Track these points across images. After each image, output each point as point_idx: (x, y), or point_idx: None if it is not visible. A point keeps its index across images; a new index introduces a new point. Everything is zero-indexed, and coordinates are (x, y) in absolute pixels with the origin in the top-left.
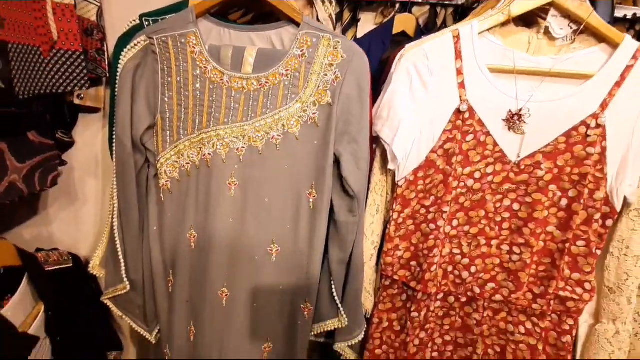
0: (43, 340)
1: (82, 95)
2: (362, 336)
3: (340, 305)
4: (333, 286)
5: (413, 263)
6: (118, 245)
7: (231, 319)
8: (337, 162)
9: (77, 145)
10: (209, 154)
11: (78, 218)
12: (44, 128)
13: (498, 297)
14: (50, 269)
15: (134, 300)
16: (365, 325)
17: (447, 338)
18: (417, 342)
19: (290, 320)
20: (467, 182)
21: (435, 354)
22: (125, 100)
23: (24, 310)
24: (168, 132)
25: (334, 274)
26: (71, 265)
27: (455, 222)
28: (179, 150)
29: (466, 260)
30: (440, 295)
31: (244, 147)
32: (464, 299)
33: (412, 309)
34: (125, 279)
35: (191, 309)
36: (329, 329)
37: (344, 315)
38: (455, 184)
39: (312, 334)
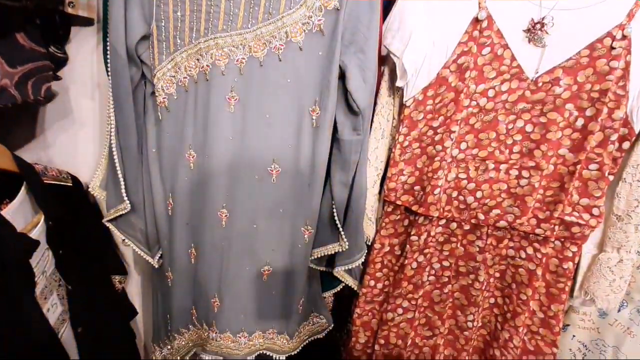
0: (45, 250)
1: (73, 3)
2: (362, 260)
3: (341, 229)
4: (334, 209)
5: (417, 187)
6: (117, 165)
7: (231, 240)
8: (342, 77)
9: (72, 63)
10: (208, 65)
11: (76, 141)
12: (34, 33)
13: (502, 223)
14: (48, 181)
15: (135, 224)
16: (366, 251)
17: (446, 264)
18: (414, 265)
19: (290, 243)
20: (480, 100)
21: (432, 278)
22: (118, 5)
23: (23, 216)
24: (164, 42)
25: (335, 196)
26: (71, 184)
27: (463, 145)
28: (176, 62)
29: (472, 185)
30: (443, 222)
31: (244, 58)
32: (467, 227)
33: (412, 233)
34: (126, 199)
35: (191, 231)
36: (329, 252)
37: (345, 240)
38: (466, 102)
39: (312, 258)
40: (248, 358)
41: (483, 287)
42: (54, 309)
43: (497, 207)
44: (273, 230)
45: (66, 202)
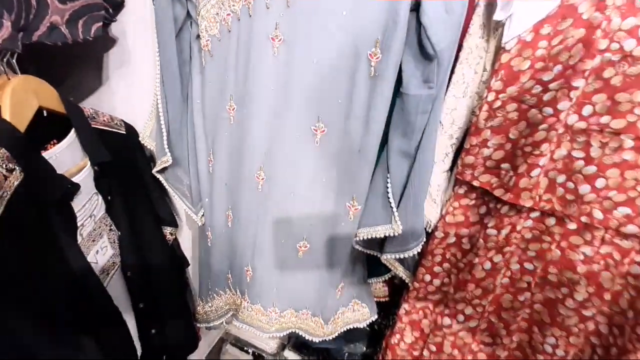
0: (94, 195)
1: None
2: (419, 249)
3: (395, 209)
4: (389, 184)
5: (505, 166)
6: (161, 115)
7: (267, 207)
8: (416, 7)
9: (128, 7)
10: None
11: (135, 89)
12: None
13: (631, 228)
14: (97, 126)
15: (182, 178)
16: (424, 239)
17: (528, 266)
18: (487, 265)
19: (332, 218)
20: (625, 42)
21: (505, 280)
22: None
23: (71, 159)
24: None
25: (391, 168)
26: (124, 132)
27: (587, 109)
28: None
29: (591, 169)
30: (536, 214)
31: None
32: (572, 226)
33: (489, 225)
34: (167, 151)
35: (229, 192)
36: (378, 235)
37: (398, 222)
38: (603, 45)
39: (356, 239)
40: (278, 335)
41: (580, 308)
42: (103, 251)
43: (628, 204)
44: (313, 202)
45: (116, 149)
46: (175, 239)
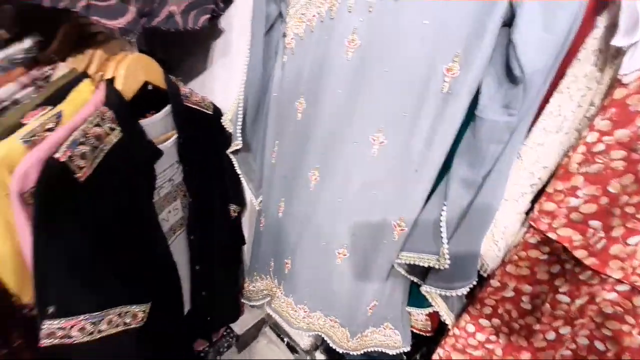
0: (176, 162)
1: None
2: (465, 292)
3: (445, 241)
4: (443, 213)
5: (595, 223)
6: (241, 102)
7: (315, 206)
8: (507, 23)
9: (236, 3)
10: (337, 0)
11: (230, 77)
12: None
13: None
14: (189, 104)
15: (250, 163)
16: (475, 282)
17: (599, 346)
18: (551, 335)
19: (376, 234)
20: None
21: (567, 353)
22: None
23: (164, 128)
24: None
25: (449, 196)
26: (211, 113)
27: None
28: None
29: None
30: (624, 288)
31: None
32: None
33: (561, 289)
34: (239, 137)
35: (285, 184)
36: (421, 264)
37: (447, 256)
38: None
39: (398, 261)
40: (305, 334)
41: None
42: (174, 212)
43: None
44: (359, 212)
45: (201, 127)
46: (238, 217)
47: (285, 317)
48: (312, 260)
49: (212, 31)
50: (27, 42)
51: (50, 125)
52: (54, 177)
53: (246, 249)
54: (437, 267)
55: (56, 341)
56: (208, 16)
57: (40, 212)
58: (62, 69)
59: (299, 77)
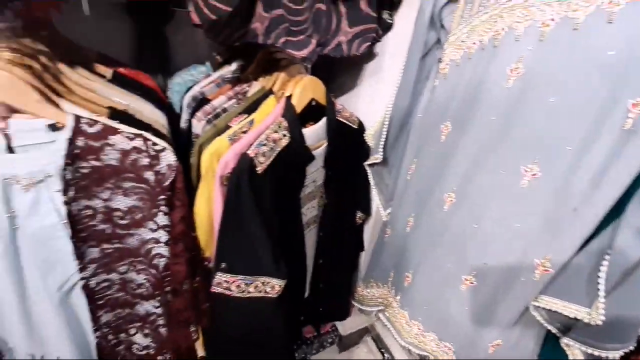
0: (320, 167)
1: None
2: (617, 356)
3: (602, 295)
4: (605, 262)
5: None
6: (386, 119)
7: (446, 228)
8: None
9: (394, 30)
10: (503, 29)
11: (377, 96)
12: (373, 0)
13: None
14: (339, 118)
15: (384, 177)
16: (633, 346)
17: None
18: None
19: (512, 269)
20: None
21: None
22: None
23: (317, 137)
24: (470, 4)
25: (616, 244)
26: (356, 127)
27: None
28: (473, 26)
29: None
30: None
31: (553, 19)
32: None
33: None
34: (381, 152)
35: (417, 201)
36: (565, 313)
37: (601, 312)
38: None
39: (536, 304)
40: (412, 349)
41: None
42: (311, 210)
43: None
44: (495, 242)
45: (346, 139)
46: (362, 225)
47: (398, 328)
48: (434, 280)
49: (366, 55)
50: (234, 65)
51: (245, 129)
52: (244, 168)
53: (364, 255)
54: (586, 321)
55: (220, 290)
56: (369, 43)
57: (230, 191)
58: (255, 87)
59: (448, 101)
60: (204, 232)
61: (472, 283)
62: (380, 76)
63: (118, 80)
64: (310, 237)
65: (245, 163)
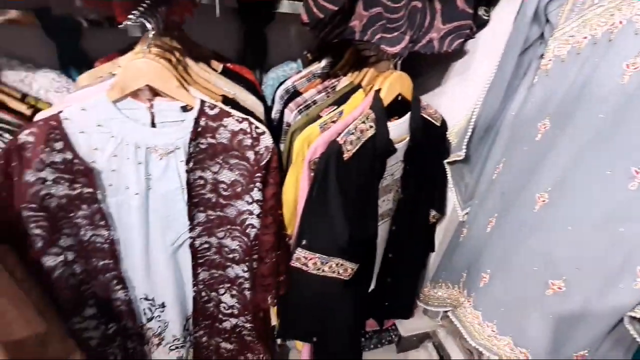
0: (400, 161)
1: None
2: None
3: None
4: None
5: None
6: (473, 118)
7: (534, 229)
8: None
9: (489, 25)
10: (621, 22)
11: (464, 94)
12: None
13: None
14: (423, 114)
15: (464, 175)
16: None
17: None
18: None
19: (609, 275)
20: None
21: None
22: None
23: (400, 131)
24: None
25: None
26: (438, 125)
27: None
28: (585, 20)
29: None
30: None
31: None
32: None
33: None
34: (464, 149)
35: (502, 201)
36: None
37: None
38: None
39: (633, 314)
40: (484, 350)
41: None
42: (386, 203)
43: None
44: (592, 247)
45: (428, 135)
46: (434, 225)
47: (469, 329)
48: (515, 282)
49: (455, 52)
50: (323, 62)
51: (334, 119)
52: (332, 153)
53: (433, 256)
54: None
55: (298, 265)
56: (462, 40)
57: (318, 173)
58: (344, 82)
59: (548, 99)
60: (289, 211)
61: (560, 288)
62: (468, 74)
63: (227, 74)
64: (382, 230)
65: (334, 149)
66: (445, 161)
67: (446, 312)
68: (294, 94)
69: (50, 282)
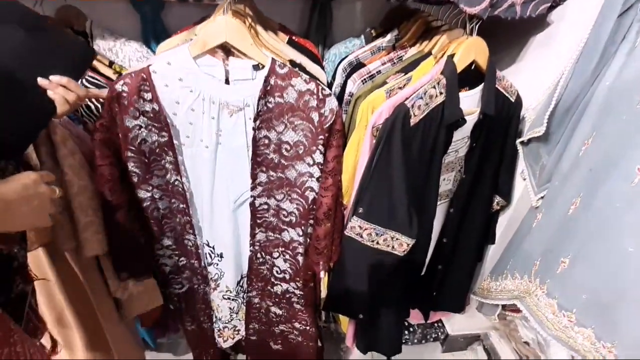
0: (467, 138)
1: None
2: None
3: None
4: None
5: None
6: (558, 89)
7: (631, 207)
8: None
9: None
10: None
11: (544, 67)
12: None
13: None
14: (498, 87)
15: (540, 156)
16: None
17: None
18: None
19: None
20: None
21: None
22: None
23: (471, 103)
24: None
25: None
26: (512, 100)
27: None
28: None
29: None
30: None
31: None
32: None
33: None
34: (545, 123)
35: (591, 178)
36: None
37: None
38: None
39: None
40: (557, 341)
41: None
42: (446, 182)
43: None
44: None
45: (501, 110)
46: (497, 213)
47: (540, 319)
48: (605, 266)
49: (538, 21)
50: (389, 36)
51: (402, 85)
52: (399, 116)
53: (493, 249)
54: None
55: (352, 235)
56: (548, 5)
57: (382, 137)
58: (411, 51)
59: None
60: (347, 178)
61: None
62: (552, 46)
63: (292, 45)
64: (439, 212)
65: (401, 111)
66: (519, 140)
67: (505, 307)
68: (357, 65)
69: (141, 210)
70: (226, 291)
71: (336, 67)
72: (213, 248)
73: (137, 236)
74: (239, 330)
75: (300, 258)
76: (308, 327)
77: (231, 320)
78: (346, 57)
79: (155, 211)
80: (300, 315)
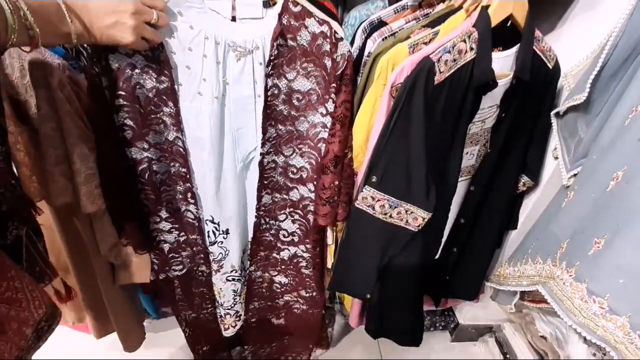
0: (496, 106)
1: None
2: None
3: None
4: None
5: None
6: (605, 50)
7: None
8: None
9: None
10: None
11: (583, 35)
12: None
13: None
14: (536, 49)
15: (577, 129)
16: None
17: None
18: None
19: None
20: None
21: None
22: None
23: (504, 66)
24: None
25: None
26: (550, 66)
27: None
28: None
29: None
30: None
31: None
32: None
33: None
34: (588, 88)
35: (638, 149)
36: None
37: None
38: None
39: None
40: (587, 335)
41: None
42: (469, 157)
43: None
44: None
45: (536, 78)
46: (522, 195)
47: (566, 304)
48: None
49: None
50: None
51: (427, 40)
52: (423, 70)
53: (513, 235)
54: None
55: (364, 207)
56: None
57: (402, 94)
58: (439, 7)
59: None
60: (360, 143)
61: None
62: (599, 8)
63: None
64: (459, 190)
65: (425, 65)
66: (554, 112)
67: (523, 297)
68: (379, 24)
69: (136, 174)
70: (231, 271)
71: (356, 30)
72: (218, 225)
73: (140, 199)
74: (240, 316)
75: (310, 217)
76: (315, 294)
77: (234, 305)
78: (367, 18)
79: (152, 175)
80: (307, 281)
